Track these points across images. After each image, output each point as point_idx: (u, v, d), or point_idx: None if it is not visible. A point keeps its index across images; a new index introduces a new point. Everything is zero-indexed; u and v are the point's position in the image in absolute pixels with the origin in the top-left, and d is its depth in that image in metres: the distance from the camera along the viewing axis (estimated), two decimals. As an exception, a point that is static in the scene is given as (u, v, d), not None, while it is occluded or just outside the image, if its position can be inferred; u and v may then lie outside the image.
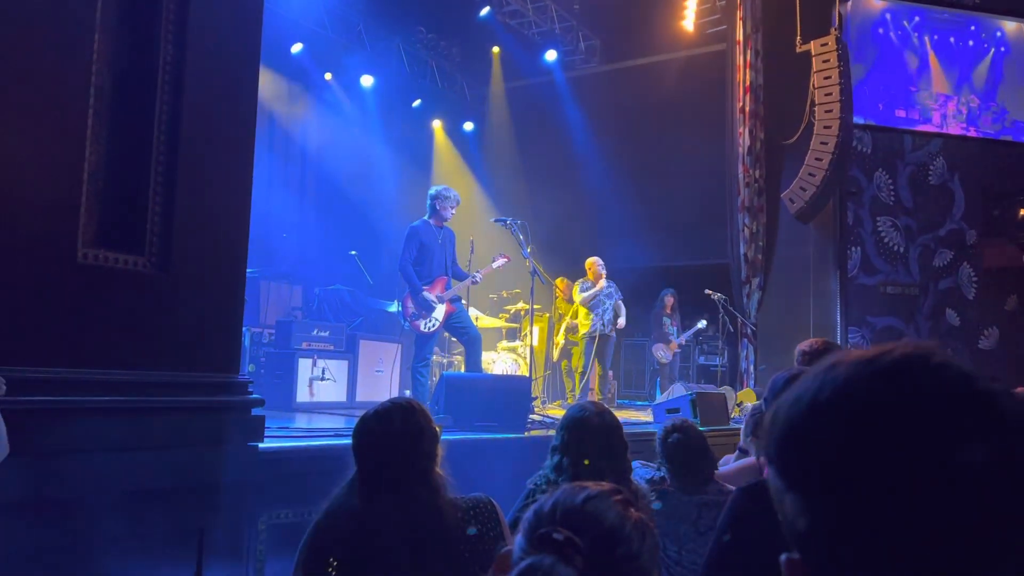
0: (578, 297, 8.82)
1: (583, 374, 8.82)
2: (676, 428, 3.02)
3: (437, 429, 2.12)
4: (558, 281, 9.83)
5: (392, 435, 2.03)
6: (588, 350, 8.75)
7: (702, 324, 10.67)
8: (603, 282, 8.90)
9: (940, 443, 0.53)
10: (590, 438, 2.47)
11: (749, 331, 10.64)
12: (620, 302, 9.10)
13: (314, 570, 1.97)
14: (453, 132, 13.24)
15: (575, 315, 9.60)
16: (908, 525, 0.53)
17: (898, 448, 0.53)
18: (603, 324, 8.81)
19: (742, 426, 3.90)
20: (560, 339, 9.71)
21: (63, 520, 2.79)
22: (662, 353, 10.82)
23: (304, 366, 6.77)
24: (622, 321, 9.08)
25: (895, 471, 0.53)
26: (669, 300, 10.68)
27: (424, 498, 1.97)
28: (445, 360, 8.33)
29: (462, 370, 7.73)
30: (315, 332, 7.17)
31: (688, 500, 2.84)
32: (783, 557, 0.64)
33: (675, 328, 10.87)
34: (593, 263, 9.04)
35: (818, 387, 0.58)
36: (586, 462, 2.24)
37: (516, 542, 1.10)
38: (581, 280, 8.99)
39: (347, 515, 1.96)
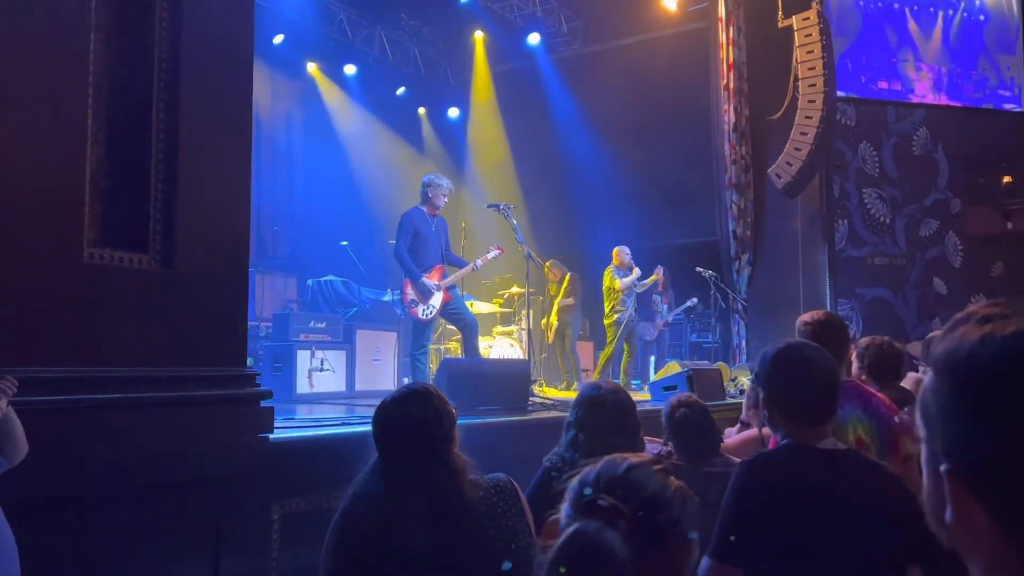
0: (616, 283, 8.84)
1: (611, 359, 8.91)
2: (682, 403, 3.09)
3: (454, 412, 2.17)
4: (547, 265, 9.88)
5: (411, 420, 2.07)
6: (621, 335, 8.85)
7: (693, 301, 10.76)
8: (637, 269, 9.07)
9: None
10: (605, 415, 2.53)
11: (740, 307, 10.75)
12: None
13: (342, 555, 2.02)
14: (438, 118, 13.24)
15: (565, 296, 9.68)
16: None
17: None
18: (634, 310, 8.99)
19: (743, 400, 3.97)
20: (554, 320, 9.77)
21: (78, 518, 2.82)
22: (648, 331, 10.94)
23: (303, 358, 6.80)
24: None
25: None
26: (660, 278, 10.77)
27: (446, 480, 2.01)
28: (442, 348, 8.38)
29: (458, 356, 7.78)
30: (312, 324, 7.20)
31: (695, 473, 2.90)
32: (943, 467, 0.74)
33: (665, 306, 10.96)
34: (621, 251, 9.09)
35: (1013, 332, 0.71)
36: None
37: (563, 510, 1.15)
38: (613, 267, 9.01)
39: (372, 500, 2.01)
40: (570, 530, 1.06)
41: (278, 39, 10.41)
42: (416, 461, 2.03)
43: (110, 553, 2.88)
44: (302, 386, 6.76)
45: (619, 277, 8.91)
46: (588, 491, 1.14)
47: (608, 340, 9.01)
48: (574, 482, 1.19)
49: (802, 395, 2.03)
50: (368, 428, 4.01)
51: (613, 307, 8.92)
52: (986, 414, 0.71)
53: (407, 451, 2.05)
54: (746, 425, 3.83)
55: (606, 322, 9.00)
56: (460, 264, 6.72)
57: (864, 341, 3.70)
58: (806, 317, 2.99)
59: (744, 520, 1.94)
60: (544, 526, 1.17)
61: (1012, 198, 12.37)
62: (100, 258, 2.99)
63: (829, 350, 2.26)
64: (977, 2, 13.03)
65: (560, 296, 9.82)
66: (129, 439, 2.97)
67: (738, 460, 2.97)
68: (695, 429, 3.03)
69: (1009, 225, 12.30)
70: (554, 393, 7.52)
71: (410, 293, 6.44)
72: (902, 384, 3.91)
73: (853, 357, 3.73)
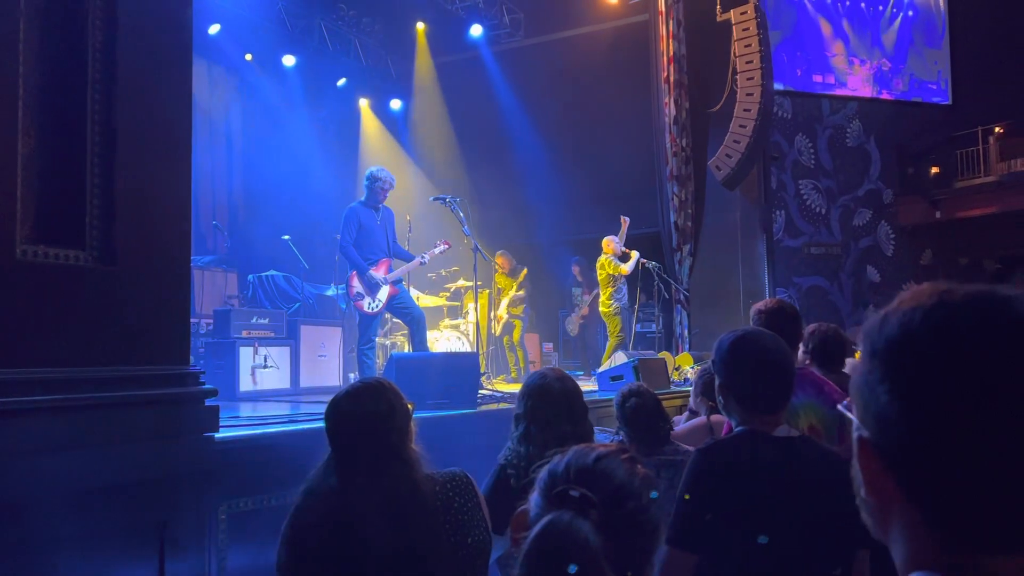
0: (623, 269, 8.95)
1: (619, 346, 9.01)
2: (633, 392, 3.13)
3: (409, 407, 2.15)
4: (497, 255, 9.86)
5: (364, 414, 2.05)
6: (624, 321, 9.06)
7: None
8: (635, 252, 9.19)
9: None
10: (553, 403, 2.52)
11: (682, 297, 10.91)
12: None
13: (297, 551, 1.99)
14: (381, 110, 13.10)
15: (516, 289, 9.70)
16: (989, 428, 0.65)
17: (996, 362, 0.66)
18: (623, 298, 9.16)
19: (691, 388, 4.04)
20: (503, 314, 9.76)
21: (14, 524, 2.72)
22: (572, 325, 11.09)
23: (245, 354, 6.67)
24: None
25: (989, 380, 0.66)
26: (576, 269, 10.91)
27: (400, 474, 2.00)
28: (388, 342, 8.31)
29: (405, 351, 7.73)
30: (254, 320, 7.06)
31: (647, 461, 2.93)
32: (856, 434, 0.75)
33: (586, 298, 11.06)
34: (613, 240, 9.14)
35: (933, 305, 0.71)
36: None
37: (532, 500, 1.15)
38: (609, 256, 9.07)
39: (326, 495, 1.98)
40: (543, 521, 1.07)
41: (214, 29, 10.15)
42: (370, 455, 2.01)
43: (49, 560, 2.78)
44: (245, 384, 6.63)
45: (620, 264, 9.02)
46: (559, 482, 1.16)
47: (614, 330, 9.11)
48: (543, 472, 1.20)
49: (757, 382, 2.07)
50: (315, 425, 3.97)
51: (612, 295, 9.02)
52: (891, 377, 0.71)
53: (360, 445, 2.02)
54: (695, 413, 3.91)
55: (607, 311, 9.11)
56: (407, 257, 6.67)
57: (811, 327, 3.80)
58: (760, 305, 3.04)
59: (699, 507, 1.98)
60: (513, 518, 1.18)
61: (940, 188, 12.83)
62: (34, 255, 2.88)
63: (782, 337, 2.31)
64: (906, -2, 13.45)
65: (514, 289, 9.82)
66: (68, 442, 2.88)
67: (689, 448, 3.03)
68: (646, 418, 3.07)
69: (937, 214, 12.76)
70: (503, 386, 7.53)
71: (356, 287, 6.37)
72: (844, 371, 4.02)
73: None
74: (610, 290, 9.04)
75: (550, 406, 2.53)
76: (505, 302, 9.77)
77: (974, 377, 0.66)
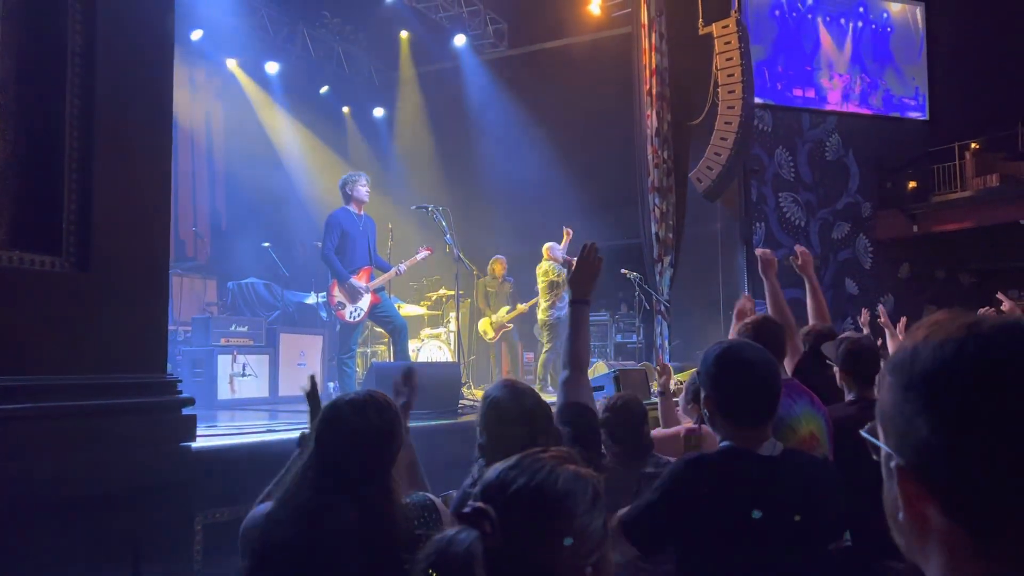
0: (563, 276, 8.47)
1: (549, 359, 8.55)
2: (619, 403, 3.09)
3: (406, 435, 2.11)
4: (495, 261, 9.70)
5: (366, 431, 1.94)
6: (559, 332, 8.52)
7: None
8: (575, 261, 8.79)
9: None
10: (504, 416, 2.39)
11: (663, 308, 10.94)
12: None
13: (263, 567, 1.91)
14: (363, 118, 13.06)
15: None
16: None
17: None
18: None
19: (682, 394, 4.03)
20: (507, 318, 9.63)
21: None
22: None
23: (224, 362, 6.62)
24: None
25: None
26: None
27: (381, 502, 1.92)
28: (369, 351, 8.26)
29: (386, 359, 7.69)
30: (233, 327, 7.00)
31: (629, 473, 2.92)
32: (892, 463, 0.77)
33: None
34: (551, 247, 8.85)
35: (964, 338, 0.74)
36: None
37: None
38: (549, 262, 8.70)
39: (300, 510, 1.90)
40: (430, 541, 1.09)
41: (196, 35, 10.09)
42: (357, 475, 1.92)
43: (22, 570, 2.73)
44: (223, 392, 6.57)
45: (561, 270, 8.59)
46: (468, 500, 1.16)
47: (545, 341, 8.68)
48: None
49: (742, 396, 2.06)
50: (293, 435, 3.91)
51: (553, 304, 8.61)
52: (930, 405, 0.74)
53: (350, 463, 1.92)
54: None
55: (544, 319, 8.68)
56: (385, 268, 6.64)
57: (806, 328, 3.84)
58: (749, 320, 3.04)
59: (663, 511, 1.98)
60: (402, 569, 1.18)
61: (917, 203, 12.98)
62: (10, 261, 2.84)
63: (768, 350, 2.31)
64: (884, 14, 13.63)
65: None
66: (42, 450, 2.83)
67: (669, 459, 3.02)
68: (631, 430, 3.04)
69: (915, 228, 12.90)
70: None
71: (337, 295, 6.34)
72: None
73: (798, 342, 3.82)
74: (550, 299, 8.61)
75: (502, 419, 2.43)
76: (513, 310, 9.65)
77: (1014, 404, 0.71)
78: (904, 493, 0.76)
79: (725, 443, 2.09)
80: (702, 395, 2.15)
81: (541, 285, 8.77)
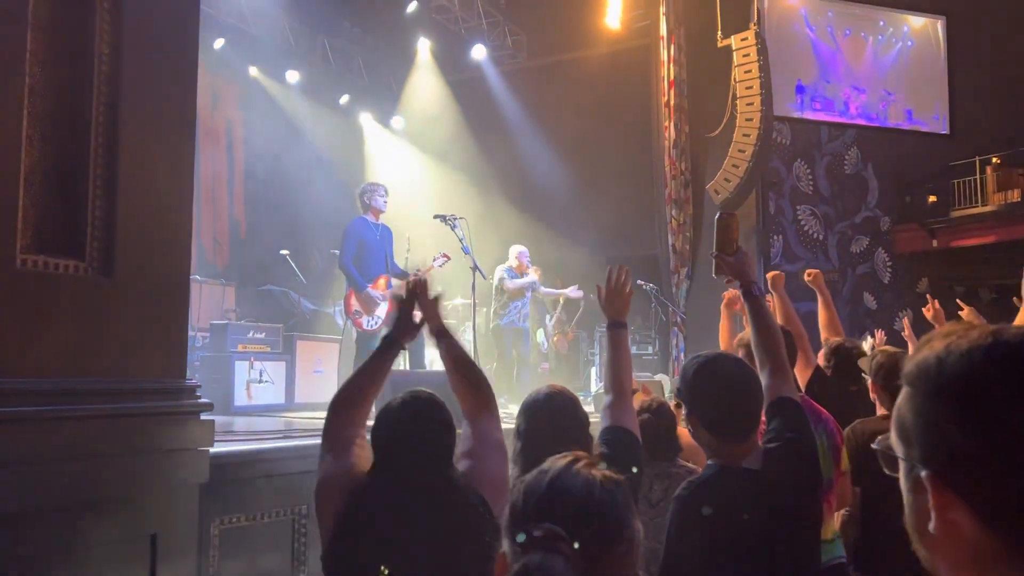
0: (508, 285, 8.15)
1: (502, 374, 8.13)
2: (648, 408, 3.08)
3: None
4: (536, 271, 9.59)
5: (421, 434, 2.00)
6: (507, 342, 8.23)
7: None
8: (532, 272, 8.30)
9: None
10: (541, 420, 2.43)
11: (679, 319, 10.91)
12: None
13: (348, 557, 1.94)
14: (382, 128, 13.14)
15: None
16: None
17: None
18: (521, 316, 8.29)
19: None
20: (569, 331, 9.56)
21: (3, 535, 2.70)
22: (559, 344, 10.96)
23: (241, 369, 6.65)
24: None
25: None
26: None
27: (445, 494, 1.97)
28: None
29: (402, 368, 7.71)
30: (251, 334, 7.05)
31: (648, 472, 2.90)
32: (922, 473, 0.77)
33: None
34: (514, 251, 8.54)
35: (991, 344, 0.75)
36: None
37: (505, 544, 1.15)
38: (506, 267, 8.35)
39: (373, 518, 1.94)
40: (515, 569, 1.08)
41: (218, 43, 10.21)
42: (418, 476, 1.96)
43: (39, 571, 2.76)
44: (240, 398, 6.61)
45: (510, 278, 8.23)
46: (519, 519, 1.16)
47: (496, 351, 8.30)
48: (506, 512, 1.20)
49: (721, 409, 2.04)
50: (309, 441, 3.94)
51: (496, 309, 8.23)
52: (962, 412, 0.74)
53: (408, 465, 1.96)
54: None
55: (492, 327, 8.34)
56: (403, 275, 6.67)
57: (834, 343, 3.87)
58: (745, 335, 3.04)
59: (682, 555, 1.97)
60: (495, 561, 1.17)
61: (936, 217, 12.88)
62: (34, 265, 2.88)
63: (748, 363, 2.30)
64: (904, 28, 13.57)
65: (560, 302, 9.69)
66: (62, 453, 2.86)
67: (692, 466, 3.01)
68: (658, 436, 3.01)
69: (934, 243, 12.80)
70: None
71: (354, 304, 6.37)
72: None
73: (821, 356, 3.83)
74: (495, 304, 8.27)
75: (540, 423, 2.47)
76: (554, 316, 9.61)
77: None
78: (937, 503, 0.76)
79: (710, 462, 2.07)
80: (684, 410, 2.13)
81: (495, 287, 8.34)
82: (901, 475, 0.82)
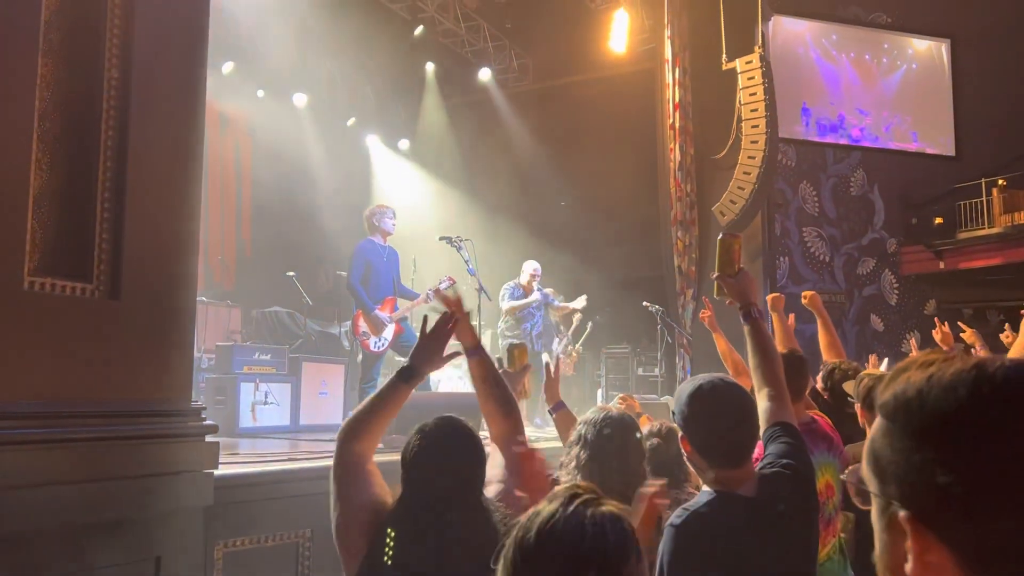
0: (504, 305, 8.00)
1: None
2: (653, 434, 3.03)
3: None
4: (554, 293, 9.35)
5: (450, 464, 1.95)
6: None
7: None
8: (536, 294, 8.06)
9: None
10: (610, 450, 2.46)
11: (685, 341, 10.88)
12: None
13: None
14: (389, 150, 13.22)
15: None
16: None
17: None
18: (531, 337, 8.03)
19: None
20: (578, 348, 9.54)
21: (11, 557, 2.69)
22: (565, 366, 10.91)
23: (246, 390, 6.65)
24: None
25: None
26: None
27: (474, 520, 1.93)
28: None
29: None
30: (257, 356, 7.05)
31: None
32: (901, 514, 0.73)
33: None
34: (527, 267, 8.33)
35: (974, 380, 0.72)
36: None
37: None
38: (512, 285, 8.19)
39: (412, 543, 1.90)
40: None
41: (227, 67, 10.31)
42: (446, 502, 1.91)
43: (43, 595, 2.75)
44: (245, 420, 6.60)
45: (511, 296, 7.98)
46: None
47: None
48: (500, 564, 1.18)
49: (715, 433, 2.01)
50: (314, 464, 3.93)
51: (503, 331, 8.04)
52: (948, 453, 0.70)
53: (439, 491, 1.92)
54: None
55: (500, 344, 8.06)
56: (411, 295, 6.68)
57: (831, 365, 3.85)
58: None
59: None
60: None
61: (943, 239, 12.87)
62: (41, 287, 2.89)
63: (789, 385, 2.26)
64: (908, 51, 13.63)
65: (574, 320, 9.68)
66: (67, 475, 2.86)
67: (694, 491, 2.97)
68: (668, 461, 2.96)
69: (941, 265, 12.77)
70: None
71: (361, 325, 6.38)
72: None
73: (819, 378, 3.80)
74: (502, 324, 8.03)
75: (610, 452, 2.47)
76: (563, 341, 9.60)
77: None
78: (916, 545, 0.72)
79: (706, 489, 2.04)
80: (679, 435, 2.10)
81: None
82: (874, 511, 0.78)
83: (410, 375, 2.21)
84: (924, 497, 0.71)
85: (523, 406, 7.61)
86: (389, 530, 1.92)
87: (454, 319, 2.31)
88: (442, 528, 1.86)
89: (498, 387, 2.33)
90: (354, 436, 2.14)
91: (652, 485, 2.14)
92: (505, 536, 1.91)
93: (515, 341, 7.59)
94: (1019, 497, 0.67)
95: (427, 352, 2.25)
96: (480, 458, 1.98)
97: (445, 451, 1.95)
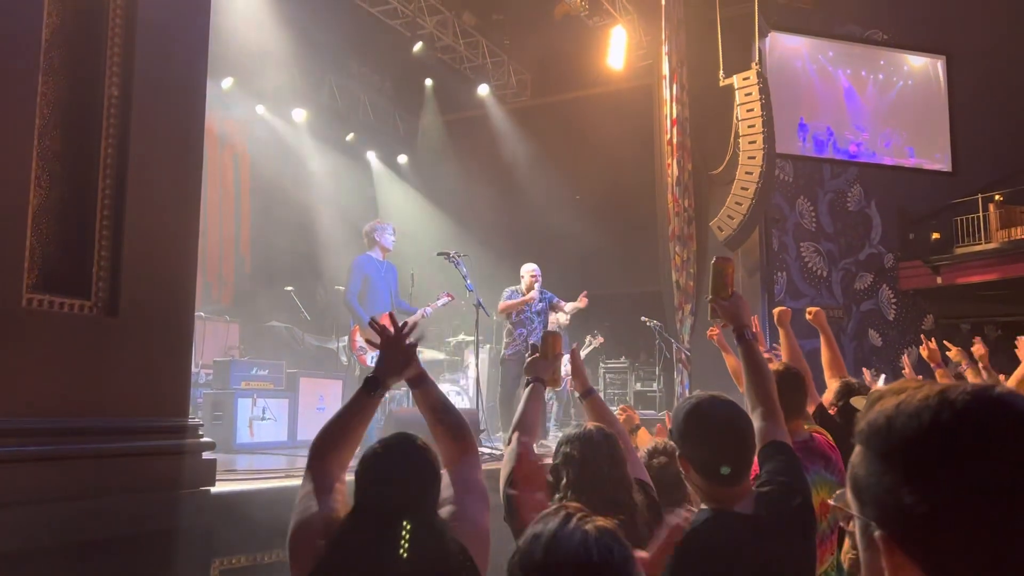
0: (501, 304, 7.67)
1: (505, 399, 7.58)
2: (659, 451, 3.01)
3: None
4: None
5: (401, 479, 1.90)
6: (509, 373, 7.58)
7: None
8: (533, 292, 7.70)
9: None
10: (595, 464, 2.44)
11: (684, 356, 10.87)
12: None
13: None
14: (387, 165, 13.27)
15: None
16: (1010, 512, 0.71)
17: (1008, 458, 0.72)
18: (525, 343, 7.53)
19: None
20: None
21: (6, 573, 2.69)
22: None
23: (244, 406, 6.63)
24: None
25: (1003, 473, 0.72)
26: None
27: (426, 540, 1.91)
28: (388, 396, 8.26)
29: (404, 405, 7.68)
30: (254, 371, 7.04)
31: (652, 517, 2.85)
32: (875, 533, 0.78)
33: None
34: (526, 269, 7.99)
35: (938, 406, 0.76)
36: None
37: None
38: (509, 290, 7.85)
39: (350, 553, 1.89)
40: None
41: (227, 83, 10.35)
42: (397, 519, 1.90)
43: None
44: (243, 435, 6.58)
45: (508, 297, 7.70)
46: None
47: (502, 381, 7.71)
48: None
49: (712, 451, 2.01)
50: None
51: (506, 344, 7.70)
52: (912, 475, 0.75)
53: (389, 508, 1.87)
54: None
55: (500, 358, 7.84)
56: (409, 310, 6.68)
57: (841, 382, 3.86)
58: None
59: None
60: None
61: (940, 254, 12.90)
62: (39, 304, 2.90)
63: (786, 401, 2.27)
64: (904, 67, 13.71)
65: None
66: (63, 492, 2.85)
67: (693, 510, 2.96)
68: (673, 480, 2.94)
69: (938, 280, 12.80)
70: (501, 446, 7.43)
71: (358, 340, 6.37)
72: None
73: (814, 391, 3.79)
74: (505, 338, 7.73)
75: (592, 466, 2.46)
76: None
77: (987, 471, 0.72)
78: (890, 563, 0.77)
79: (703, 507, 2.05)
80: (676, 453, 2.11)
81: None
82: (856, 531, 0.83)
83: (374, 386, 2.21)
84: (894, 517, 0.76)
85: (551, 405, 7.46)
86: (335, 543, 1.92)
87: (405, 325, 2.30)
88: (390, 542, 1.86)
89: (447, 413, 2.31)
90: (323, 451, 2.14)
91: (682, 513, 2.16)
92: (459, 555, 1.92)
93: (508, 354, 7.63)
94: (977, 516, 0.71)
95: (389, 362, 2.24)
96: (432, 475, 1.97)
97: (395, 466, 1.95)
